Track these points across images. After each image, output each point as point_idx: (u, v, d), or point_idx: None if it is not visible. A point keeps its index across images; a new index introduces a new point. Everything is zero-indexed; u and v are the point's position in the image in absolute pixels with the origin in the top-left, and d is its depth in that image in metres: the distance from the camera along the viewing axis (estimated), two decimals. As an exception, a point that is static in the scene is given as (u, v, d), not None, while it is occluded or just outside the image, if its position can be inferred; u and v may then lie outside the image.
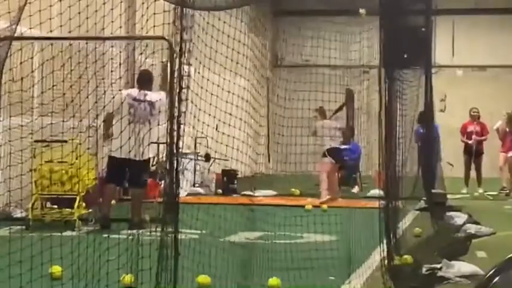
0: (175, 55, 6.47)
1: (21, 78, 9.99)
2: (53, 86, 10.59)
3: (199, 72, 7.24)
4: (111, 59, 11.91)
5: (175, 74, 6.38)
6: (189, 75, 6.44)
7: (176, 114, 6.29)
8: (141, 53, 13.79)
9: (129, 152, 10.66)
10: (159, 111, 11.33)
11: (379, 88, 8.63)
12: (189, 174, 17.61)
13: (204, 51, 7.55)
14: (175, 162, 6.36)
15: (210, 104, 8.03)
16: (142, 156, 11.14)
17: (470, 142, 19.03)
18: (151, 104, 11.42)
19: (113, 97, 11.19)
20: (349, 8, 18.15)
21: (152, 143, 14.19)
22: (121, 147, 10.39)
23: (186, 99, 6.40)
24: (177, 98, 6.32)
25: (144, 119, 11.29)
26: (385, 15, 8.84)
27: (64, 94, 9.41)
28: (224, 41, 8.21)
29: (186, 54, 6.36)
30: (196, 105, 7.07)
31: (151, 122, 11.31)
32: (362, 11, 14.26)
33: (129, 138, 10.62)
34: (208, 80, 7.77)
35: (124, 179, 11.76)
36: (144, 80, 11.75)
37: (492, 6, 26.13)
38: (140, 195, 11.65)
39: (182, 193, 9.74)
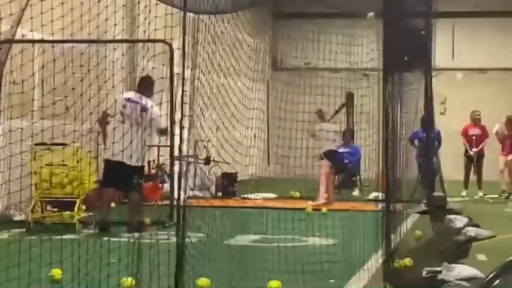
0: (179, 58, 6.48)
1: (22, 81, 10.00)
2: (54, 89, 10.60)
3: (198, 78, 7.24)
4: (113, 62, 11.90)
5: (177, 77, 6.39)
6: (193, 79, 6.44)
7: (179, 117, 6.28)
8: (143, 56, 13.79)
9: (123, 154, 10.70)
10: (151, 119, 11.30)
11: (381, 91, 8.61)
12: (188, 177, 17.50)
13: (204, 55, 7.55)
14: (177, 165, 6.36)
15: (211, 106, 8.03)
16: (137, 162, 11.15)
17: (471, 153, 18.90)
18: (143, 108, 11.34)
19: (115, 100, 11.20)
20: (350, 11, 18.15)
21: (151, 146, 14.18)
22: (121, 151, 10.40)
23: (188, 103, 6.39)
24: (179, 101, 6.32)
25: (133, 119, 11.21)
26: (386, 17, 8.83)
27: (66, 97, 9.43)
28: (224, 44, 8.21)
29: (188, 58, 6.36)
30: (199, 107, 7.07)
31: (142, 126, 11.21)
32: (371, 13, 14.23)
33: (121, 138, 10.63)
34: (209, 83, 7.78)
35: (120, 182, 11.66)
36: (144, 86, 11.69)
37: (492, 9, 26.14)
38: (136, 198, 11.60)
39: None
